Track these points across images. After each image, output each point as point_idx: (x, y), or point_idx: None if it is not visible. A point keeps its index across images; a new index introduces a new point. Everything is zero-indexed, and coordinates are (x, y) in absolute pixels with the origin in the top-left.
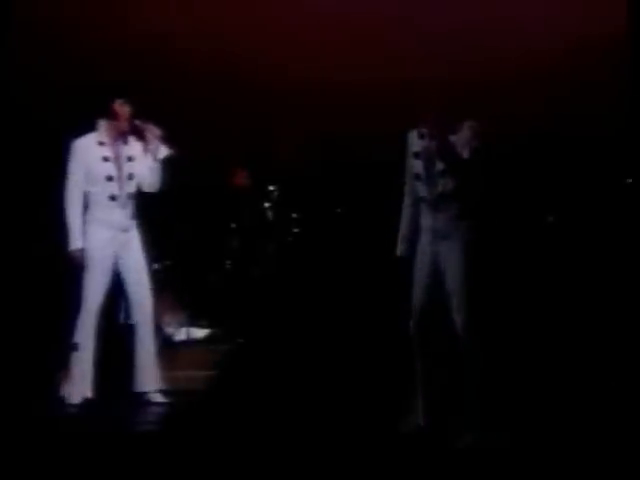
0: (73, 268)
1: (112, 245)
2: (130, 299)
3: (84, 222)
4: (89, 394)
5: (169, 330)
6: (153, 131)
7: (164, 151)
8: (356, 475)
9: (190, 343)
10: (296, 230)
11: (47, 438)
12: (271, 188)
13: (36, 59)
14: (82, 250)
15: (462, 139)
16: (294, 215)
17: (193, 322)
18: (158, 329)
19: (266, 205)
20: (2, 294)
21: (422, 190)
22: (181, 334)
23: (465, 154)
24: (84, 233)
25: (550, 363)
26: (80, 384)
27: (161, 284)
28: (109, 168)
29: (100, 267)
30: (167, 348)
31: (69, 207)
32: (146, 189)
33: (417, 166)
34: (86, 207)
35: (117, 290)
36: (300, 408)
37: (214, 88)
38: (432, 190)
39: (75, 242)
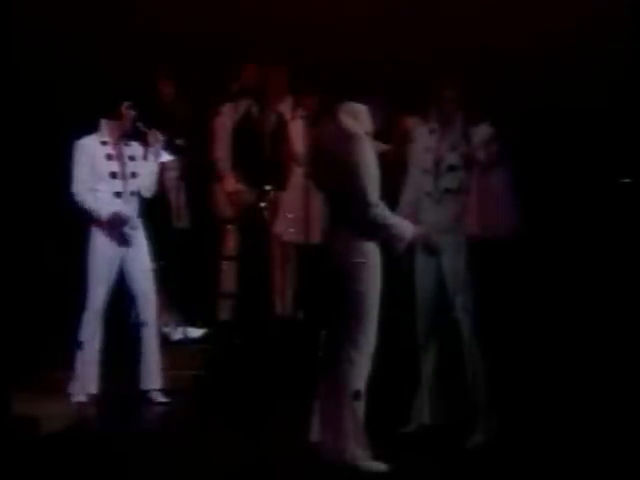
0: (117, 228)
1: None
2: (135, 298)
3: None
4: (94, 391)
5: (166, 330)
6: (155, 135)
7: (164, 155)
8: (357, 475)
9: (187, 342)
10: (293, 230)
11: (49, 437)
12: (267, 188)
13: (39, 55)
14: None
15: (477, 138)
16: (291, 215)
17: (190, 321)
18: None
19: (262, 205)
20: (8, 292)
21: (428, 185)
22: (178, 333)
23: (479, 153)
24: (91, 233)
25: (558, 361)
26: (85, 381)
27: (157, 284)
28: (112, 165)
29: (107, 265)
30: (164, 347)
31: (81, 197)
32: (144, 191)
33: (426, 161)
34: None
35: (121, 288)
36: (300, 407)
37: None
38: (438, 185)
39: (103, 212)
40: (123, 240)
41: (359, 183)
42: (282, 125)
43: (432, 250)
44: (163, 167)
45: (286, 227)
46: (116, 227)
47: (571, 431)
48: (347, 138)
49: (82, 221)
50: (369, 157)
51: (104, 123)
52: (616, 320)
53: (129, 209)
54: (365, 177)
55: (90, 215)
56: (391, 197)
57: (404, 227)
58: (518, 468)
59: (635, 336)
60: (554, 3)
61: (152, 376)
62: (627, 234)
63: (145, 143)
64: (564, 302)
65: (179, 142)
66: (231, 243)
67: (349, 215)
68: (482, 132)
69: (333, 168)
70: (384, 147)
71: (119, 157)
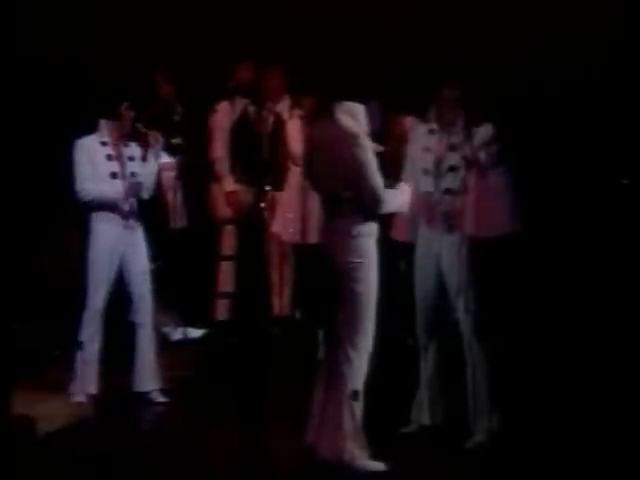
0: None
1: (118, 243)
2: (133, 298)
3: (91, 221)
4: (94, 391)
5: (165, 330)
6: (155, 136)
7: (164, 157)
8: (356, 475)
9: (186, 342)
10: (292, 230)
11: (49, 437)
12: (265, 188)
13: (39, 55)
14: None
15: (478, 139)
16: (290, 215)
17: (189, 322)
18: (155, 329)
19: (260, 205)
20: (8, 292)
21: (429, 185)
22: (178, 334)
23: (479, 154)
24: (91, 232)
25: (558, 361)
26: (85, 381)
27: (156, 284)
28: (113, 166)
29: (106, 264)
30: (164, 348)
31: (86, 192)
32: (143, 192)
33: (427, 161)
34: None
35: (119, 288)
36: (299, 407)
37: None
38: (439, 185)
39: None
40: (128, 224)
41: (367, 182)
42: (280, 125)
43: (443, 219)
44: (161, 167)
45: (285, 227)
46: (129, 198)
47: (572, 431)
48: (346, 138)
49: (82, 220)
50: (371, 155)
51: (104, 123)
52: (617, 320)
53: (130, 210)
54: (372, 174)
55: (98, 204)
56: None
57: (401, 199)
58: (518, 468)
59: (636, 336)
60: (555, 3)
61: (147, 378)
62: (628, 234)
63: (145, 144)
64: (565, 302)
65: (177, 142)
66: (229, 243)
67: (346, 215)
68: (482, 133)
69: (333, 168)
70: (380, 148)
71: (119, 157)
